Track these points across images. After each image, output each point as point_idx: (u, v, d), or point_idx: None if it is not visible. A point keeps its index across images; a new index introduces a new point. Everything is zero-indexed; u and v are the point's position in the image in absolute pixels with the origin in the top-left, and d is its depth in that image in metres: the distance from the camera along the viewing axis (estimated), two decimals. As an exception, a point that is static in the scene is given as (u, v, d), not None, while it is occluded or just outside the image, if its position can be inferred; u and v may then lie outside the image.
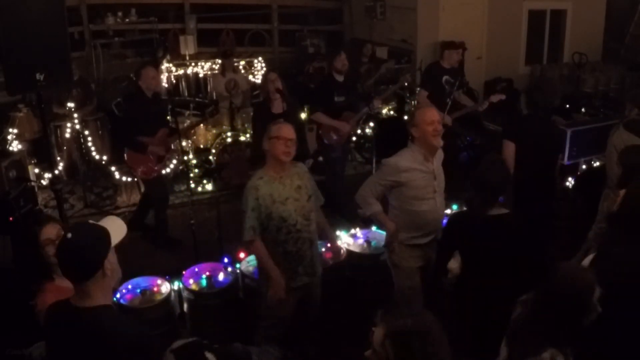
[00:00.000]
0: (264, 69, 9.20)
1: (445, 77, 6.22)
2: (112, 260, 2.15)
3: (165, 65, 8.63)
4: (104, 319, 2.13)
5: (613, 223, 3.00)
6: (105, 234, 2.14)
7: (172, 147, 5.81)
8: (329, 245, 4.18)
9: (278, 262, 3.56)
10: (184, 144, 6.97)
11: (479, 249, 3.14)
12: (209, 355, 2.01)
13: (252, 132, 6.11)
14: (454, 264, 3.34)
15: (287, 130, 3.50)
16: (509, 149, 4.32)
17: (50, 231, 2.84)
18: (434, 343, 1.89)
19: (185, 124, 6.69)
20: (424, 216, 3.70)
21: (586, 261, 2.80)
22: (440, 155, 3.85)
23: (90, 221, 2.29)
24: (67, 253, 2.10)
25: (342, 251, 4.54)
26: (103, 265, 2.11)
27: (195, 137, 7.22)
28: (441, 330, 1.95)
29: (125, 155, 5.51)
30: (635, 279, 2.62)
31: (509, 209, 3.29)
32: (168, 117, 5.87)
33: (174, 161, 7.05)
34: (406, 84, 6.82)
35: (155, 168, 5.47)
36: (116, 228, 2.21)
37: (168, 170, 6.93)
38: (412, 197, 3.67)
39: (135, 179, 6.76)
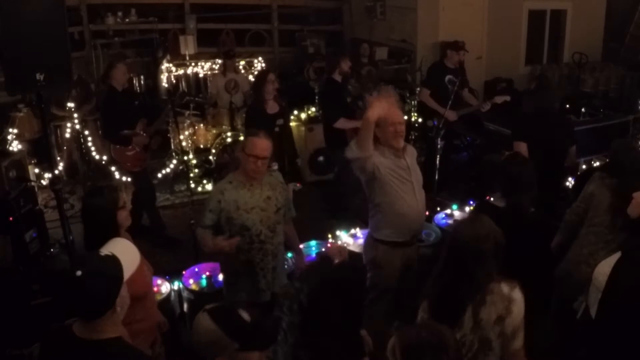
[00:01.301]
0: (264, 69, 9.20)
1: (448, 77, 6.23)
2: (123, 294, 2.00)
3: (165, 65, 8.63)
4: (113, 354, 1.95)
5: (636, 229, 3.01)
6: (117, 269, 1.97)
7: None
8: (294, 260, 4.07)
9: (239, 272, 3.46)
10: (184, 144, 6.99)
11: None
12: (243, 313, 2.01)
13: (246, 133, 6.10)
14: None
15: (261, 148, 3.36)
16: (522, 149, 4.23)
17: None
18: (448, 358, 1.85)
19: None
20: (407, 215, 3.66)
21: (611, 260, 2.75)
22: (412, 151, 3.84)
23: (103, 252, 2.06)
24: (76, 293, 1.89)
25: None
26: (115, 304, 1.96)
27: (195, 137, 7.23)
28: (458, 345, 1.91)
29: (112, 153, 5.53)
30: None
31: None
32: (168, 119, 5.89)
33: (174, 161, 7.06)
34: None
35: (144, 157, 5.53)
36: (128, 257, 2.07)
37: (168, 170, 6.96)
38: (393, 195, 3.63)
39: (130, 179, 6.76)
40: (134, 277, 2.45)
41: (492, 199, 3.45)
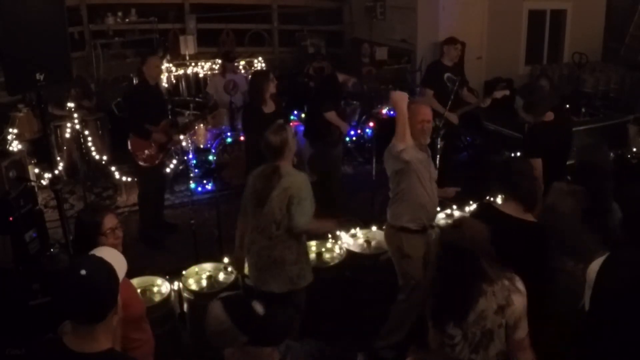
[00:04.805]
0: (264, 69, 9.20)
1: (447, 75, 6.21)
2: (118, 299, 1.94)
3: (165, 65, 8.63)
4: None
5: (623, 227, 3.02)
6: (113, 269, 1.92)
7: (174, 138, 5.81)
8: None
9: None
10: (184, 144, 6.98)
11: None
12: (257, 306, 1.97)
13: (244, 133, 6.12)
14: None
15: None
16: (538, 165, 3.95)
17: (112, 221, 2.77)
18: None
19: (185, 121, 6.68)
20: (426, 204, 3.81)
21: (595, 264, 2.77)
22: (427, 147, 3.96)
23: (93, 254, 2.04)
24: (82, 292, 1.80)
25: None
26: (116, 305, 1.89)
27: (195, 137, 7.22)
28: None
29: (128, 141, 5.52)
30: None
31: None
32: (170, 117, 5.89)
33: (174, 161, 7.05)
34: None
35: (158, 156, 5.53)
36: (117, 262, 2.05)
37: (170, 167, 6.95)
38: (417, 184, 3.76)
39: (136, 179, 6.74)
40: (132, 296, 2.44)
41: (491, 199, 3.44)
